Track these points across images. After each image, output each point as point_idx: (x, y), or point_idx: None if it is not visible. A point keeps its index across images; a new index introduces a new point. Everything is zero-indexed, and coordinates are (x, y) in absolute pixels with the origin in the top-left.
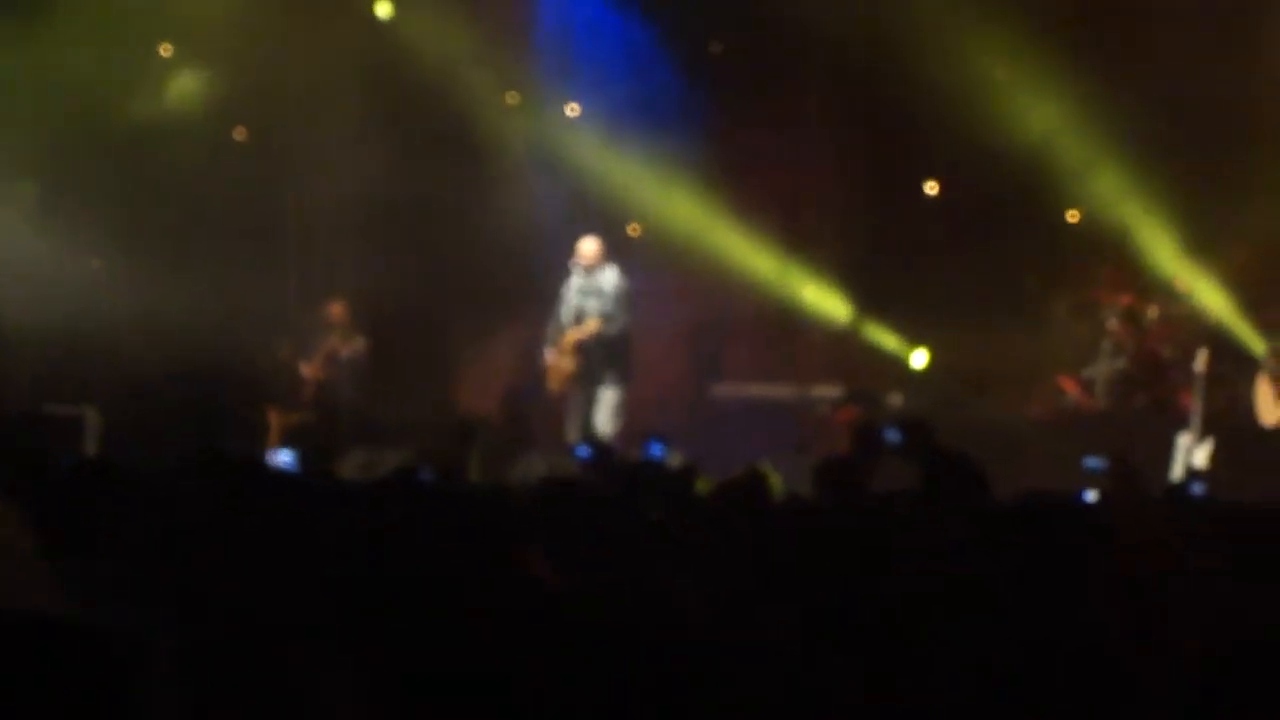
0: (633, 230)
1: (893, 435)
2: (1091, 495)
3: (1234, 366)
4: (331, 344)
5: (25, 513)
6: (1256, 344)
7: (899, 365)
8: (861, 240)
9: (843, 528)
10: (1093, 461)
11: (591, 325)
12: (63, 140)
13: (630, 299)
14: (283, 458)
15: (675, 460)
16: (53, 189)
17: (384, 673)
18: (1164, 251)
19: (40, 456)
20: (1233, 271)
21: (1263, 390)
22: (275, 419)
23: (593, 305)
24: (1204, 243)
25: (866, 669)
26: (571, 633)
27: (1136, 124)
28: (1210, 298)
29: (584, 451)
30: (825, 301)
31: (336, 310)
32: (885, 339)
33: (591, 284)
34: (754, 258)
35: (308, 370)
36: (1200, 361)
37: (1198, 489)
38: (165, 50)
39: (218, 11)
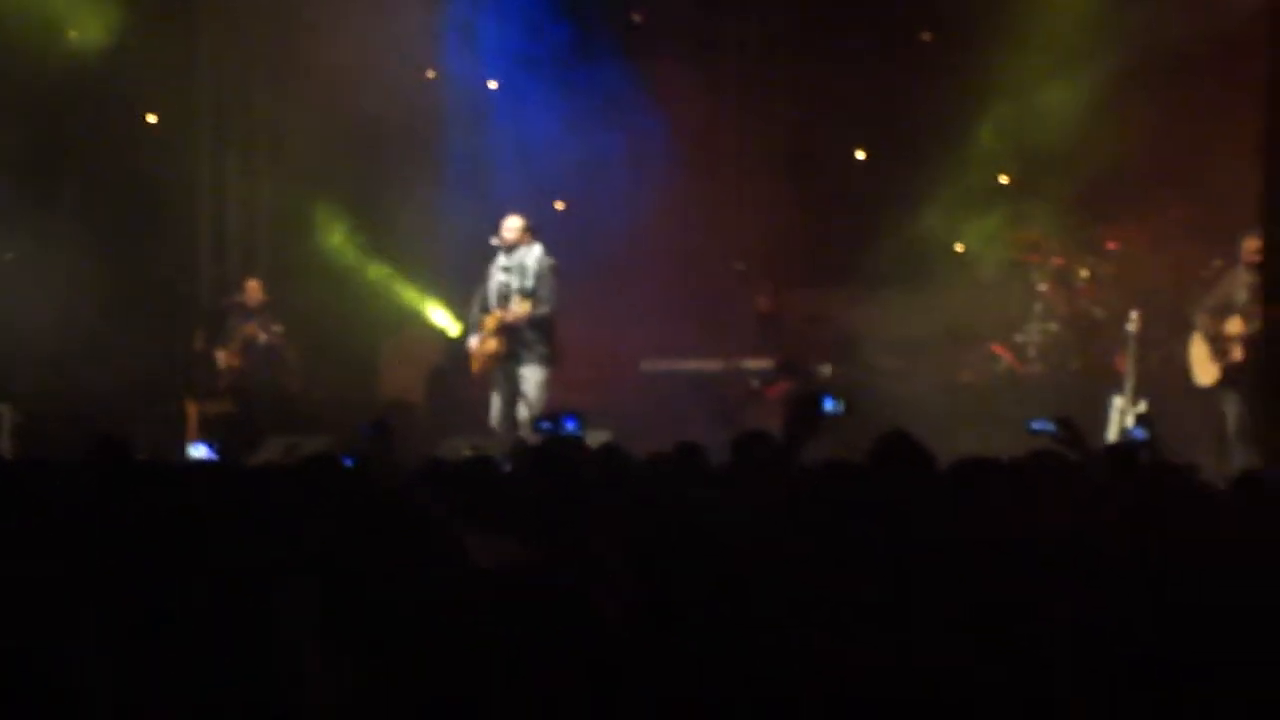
0: (559, 205)
1: (831, 404)
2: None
3: (1167, 327)
4: (249, 330)
5: None
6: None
7: (827, 335)
8: (788, 208)
9: (773, 498)
10: (1039, 423)
11: (519, 309)
12: None
13: (555, 276)
14: (199, 450)
15: (599, 437)
16: None
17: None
18: (1091, 212)
19: None
20: (1166, 229)
21: (1197, 350)
22: (193, 410)
23: (516, 282)
24: (1136, 202)
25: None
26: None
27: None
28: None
29: (546, 425)
30: (749, 273)
31: (252, 289)
32: (811, 308)
33: (515, 261)
34: (679, 230)
35: (224, 358)
36: (1133, 322)
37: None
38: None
39: None
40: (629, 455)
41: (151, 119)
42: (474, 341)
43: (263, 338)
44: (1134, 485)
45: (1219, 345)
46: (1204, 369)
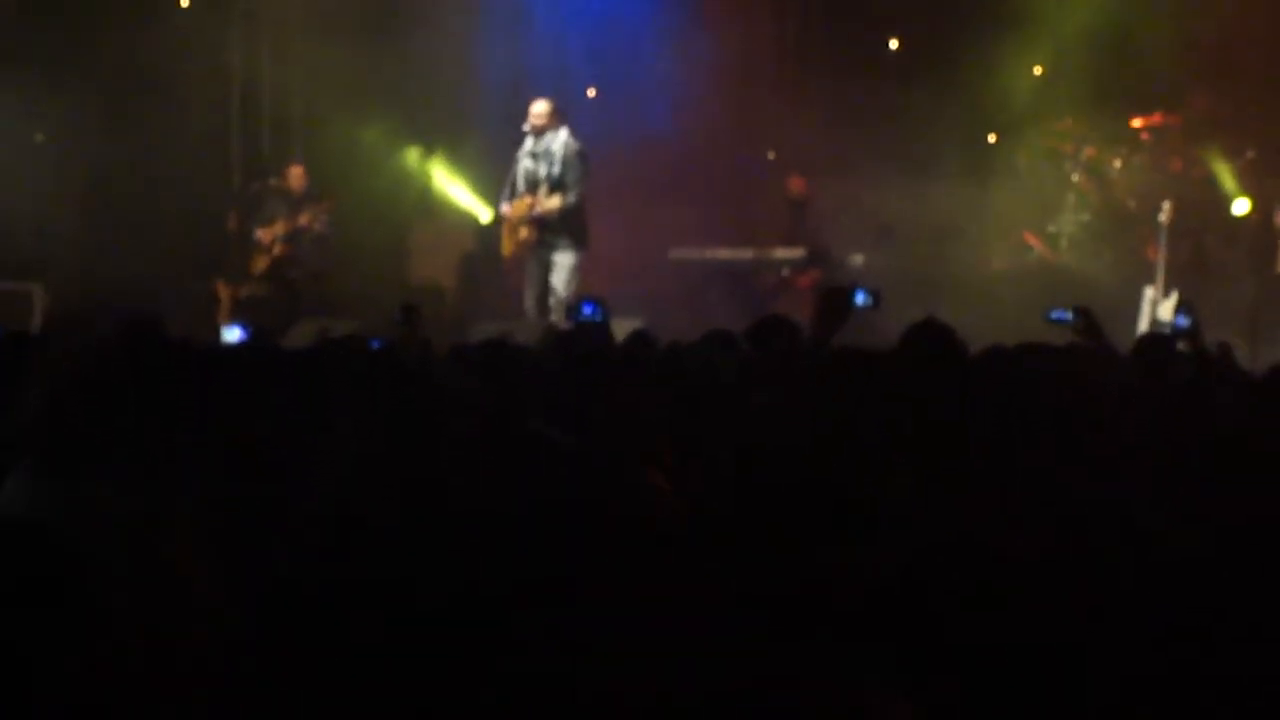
0: (591, 92)
1: (863, 297)
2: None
3: (1198, 217)
4: (299, 217)
5: None
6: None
7: (859, 225)
8: (823, 96)
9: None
10: (1058, 313)
11: (549, 203)
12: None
13: (583, 161)
14: (232, 332)
15: (629, 325)
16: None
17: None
18: (1123, 102)
19: None
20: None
21: None
22: (224, 292)
23: (544, 169)
24: (1165, 92)
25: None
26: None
27: None
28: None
29: (590, 308)
30: (781, 161)
31: (295, 175)
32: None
33: (542, 146)
34: (711, 117)
35: (266, 240)
36: (1165, 213)
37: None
38: None
39: None
40: (656, 341)
41: (183, 1)
42: (505, 208)
43: (317, 227)
44: (1165, 378)
45: None
46: None
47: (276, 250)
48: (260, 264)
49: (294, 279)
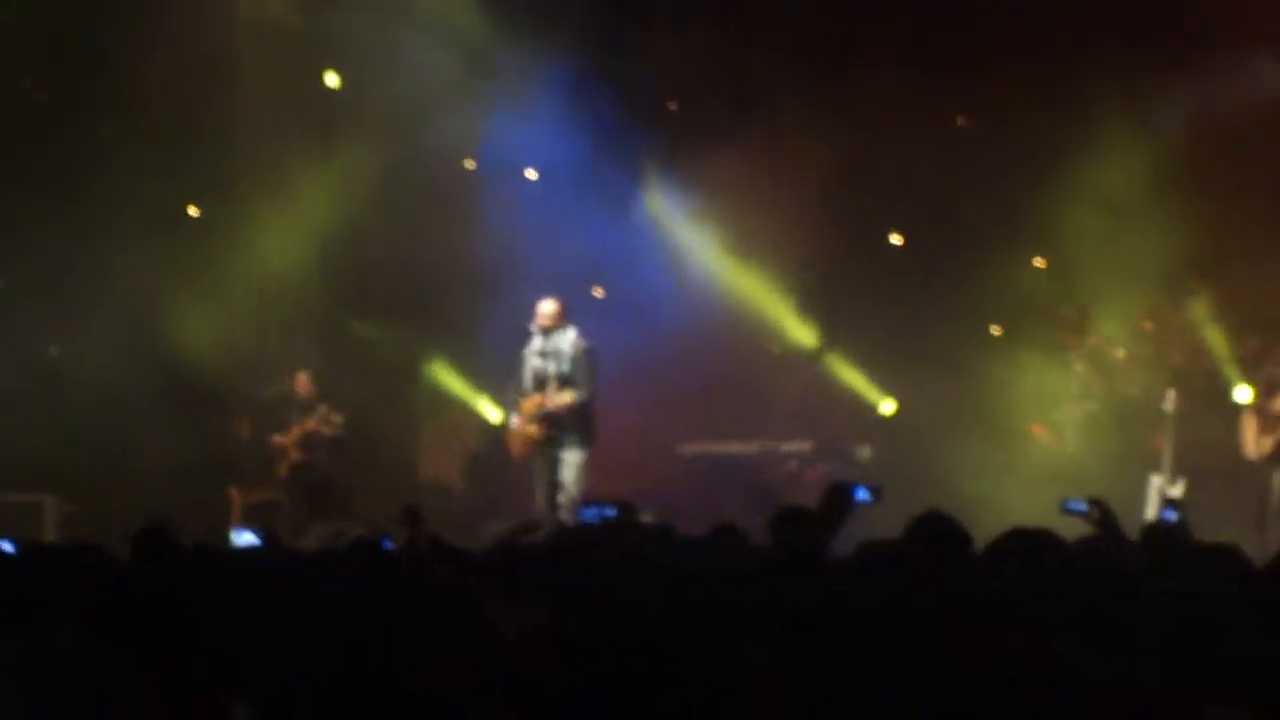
0: (597, 292)
1: (863, 494)
2: None
3: (1202, 405)
4: (311, 425)
5: None
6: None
7: (867, 416)
8: (827, 290)
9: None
10: (1073, 503)
11: (562, 398)
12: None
13: (591, 359)
14: (244, 536)
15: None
16: (6, 276)
17: None
18: (1129, 291)
19: None
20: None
21: (1248, 424)
22: (236, 497)
23: (553, 367)
24: (1171, 282)
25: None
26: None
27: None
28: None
29: (590, 512)
30: (793, 353)
31: (302, 382)
32: (854, 388)
33: (551, 345)
34: (714, 312)
35: (282, 447)
36: (1169, 401)
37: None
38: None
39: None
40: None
41: (193, 211)
42: (515, 421)
43: (327, 431)
44: (1171, 568)
45: (1268, 421)
46: (1253, 443)
47: (294, 456)
48: (281, 470)
49: (313, 482)
